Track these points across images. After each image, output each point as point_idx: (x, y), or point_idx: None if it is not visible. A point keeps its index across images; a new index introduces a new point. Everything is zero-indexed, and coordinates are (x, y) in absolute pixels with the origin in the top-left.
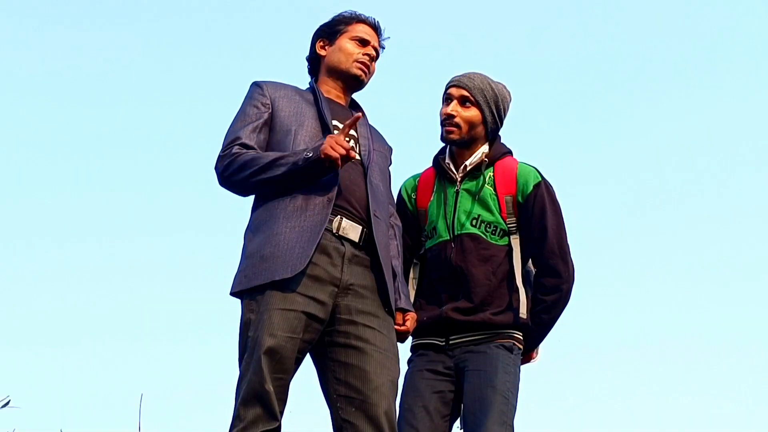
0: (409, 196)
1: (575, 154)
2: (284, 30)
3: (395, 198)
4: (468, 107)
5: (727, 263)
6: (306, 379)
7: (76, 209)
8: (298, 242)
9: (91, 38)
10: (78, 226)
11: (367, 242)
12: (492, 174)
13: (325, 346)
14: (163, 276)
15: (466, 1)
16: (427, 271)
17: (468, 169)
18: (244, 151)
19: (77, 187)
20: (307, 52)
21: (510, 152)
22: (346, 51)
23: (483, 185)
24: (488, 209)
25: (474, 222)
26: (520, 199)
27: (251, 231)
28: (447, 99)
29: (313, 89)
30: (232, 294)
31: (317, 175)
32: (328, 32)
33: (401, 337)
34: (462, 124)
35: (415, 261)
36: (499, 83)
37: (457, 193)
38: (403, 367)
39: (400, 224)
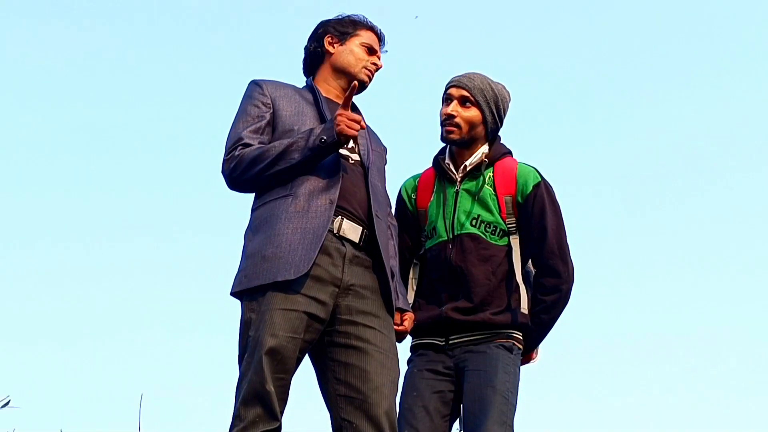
0: (409, 197)
1: (574, 154)
2: (284, 30)
3: (395, 198)
4: (468, 107)
5: (727, 263)
6: (306, 379)
7: (76, 209)
8: (300, 244)
9: (91, 38)
10: (78, 225)
11: (367, 243)
12: (492, 174)
13: (324, 346)
14: (163, 276)
15: (466, 1)
16: (427, 271)
17: (468, 169)
18: (248, 149)
19: (77, 187)
20: (303, 51)
21: (510, 152)
22: (357, 55)
23: (483, 185)
24: (488, 209)
25: (474, 222)
26: (519, 199)
27: (252, 231)
28: (447, 99)
29: (312, 88)
30: (233, 294)
31: (330, 155)
32: (340, 31)
33: (399, 337)
34: (462, 124)
35: (414, 261)
36: (498, 83)
37: (457, 193)
38: (403, 367)
39: (396, 224)
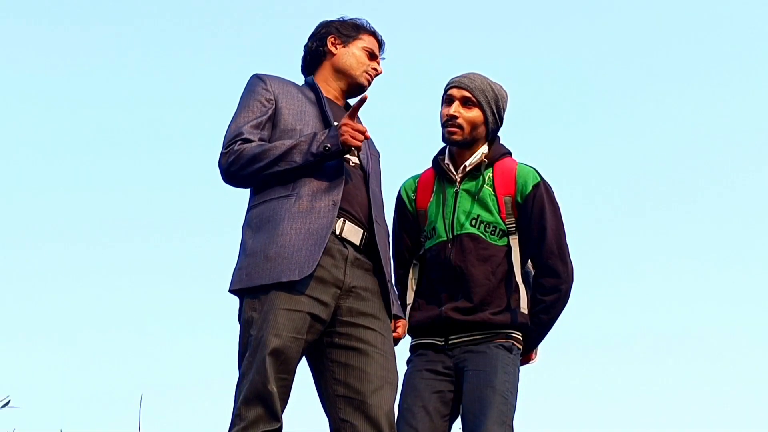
0: (409, 197)
1: (574, 154)
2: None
3: (395, 199)
4: (470, 108)
5: (727, 263)
6: (306, 380)
7: (75, 209)
8: (304, 245)
9: (91, 38)
10: (78, 225)
11: (367, 246)
12: (491, 174)
13: (323, 346)
14: (162, 275)
15: (466, 1)
16: (427, 272)
17: (467, 169)
18: (248, 144)
19: (77, 187)
20: (303, 49)
21: (509, 153)
22: (359, 58)
23: (482, 186)
24: (487, 209)
25: (473, 222)
26: (519, 199)
27: (252, 228)
28: (448, 100)
29: (314, 87)
30: (232, 291)
31: (331, 161)
32: (343, 33)
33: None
34: (465, 125)
35: (414, 261)
36: (496, 83)
37: (457, 193)
38: (402, 367)
39: (388, 230)
